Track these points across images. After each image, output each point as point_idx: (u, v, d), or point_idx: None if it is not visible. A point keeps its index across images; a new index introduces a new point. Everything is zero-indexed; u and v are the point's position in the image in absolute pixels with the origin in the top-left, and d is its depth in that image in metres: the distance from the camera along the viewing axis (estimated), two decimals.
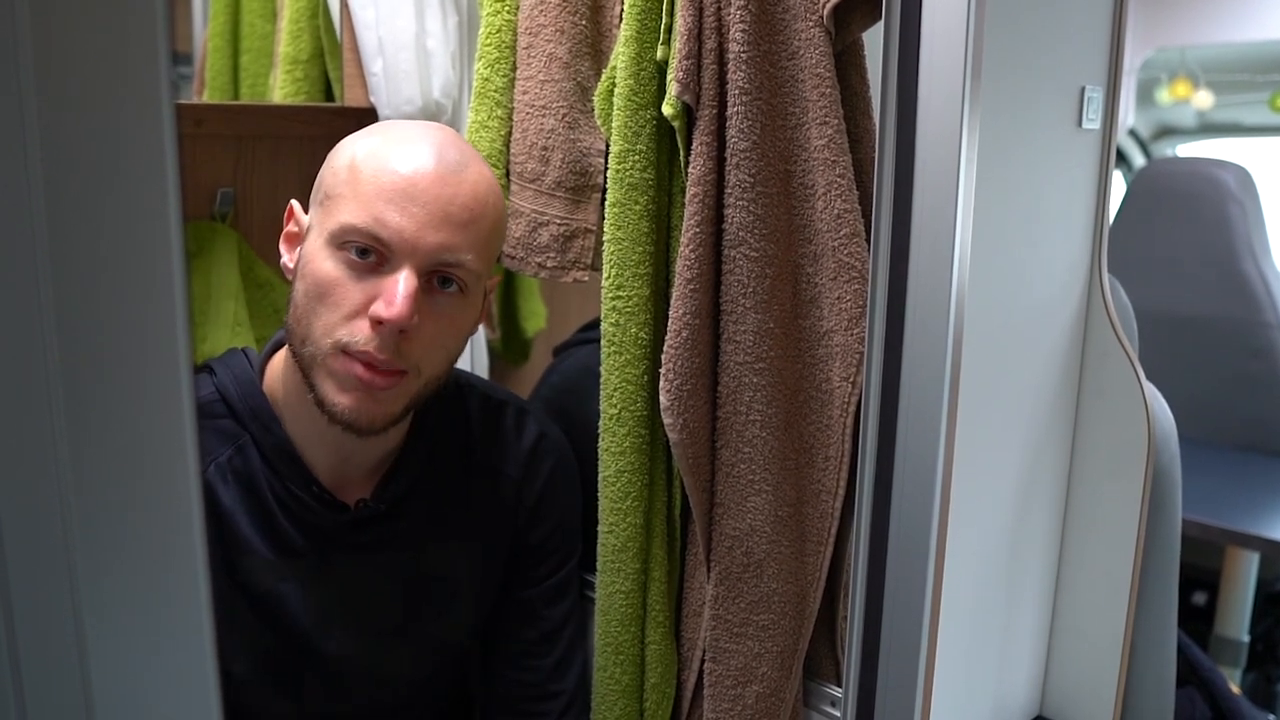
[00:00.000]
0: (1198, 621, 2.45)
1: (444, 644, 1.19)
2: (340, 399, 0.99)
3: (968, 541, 0.99)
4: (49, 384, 0.37)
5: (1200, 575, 2.50)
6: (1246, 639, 2.35)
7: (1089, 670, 1.15)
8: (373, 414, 1.00)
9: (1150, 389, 1.10)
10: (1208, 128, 3.87)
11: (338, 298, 0.98)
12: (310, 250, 1.01)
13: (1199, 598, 2.55)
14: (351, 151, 1.02)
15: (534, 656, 1.21)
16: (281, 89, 1.61)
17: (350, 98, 1.51)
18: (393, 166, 0.99)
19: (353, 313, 0.98)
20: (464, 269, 1.01)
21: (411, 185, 0.98)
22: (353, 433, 1.01)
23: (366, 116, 1.46)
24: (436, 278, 1.01)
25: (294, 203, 1.08)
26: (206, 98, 1.77)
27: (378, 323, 0.96)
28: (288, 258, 1.07)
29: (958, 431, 0.93)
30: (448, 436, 1.16)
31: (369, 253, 0.98)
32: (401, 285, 0.97)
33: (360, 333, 0.97)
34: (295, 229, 1.07)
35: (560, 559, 1.23)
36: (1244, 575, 2.32)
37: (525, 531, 1.20)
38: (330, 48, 1.58)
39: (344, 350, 0.98)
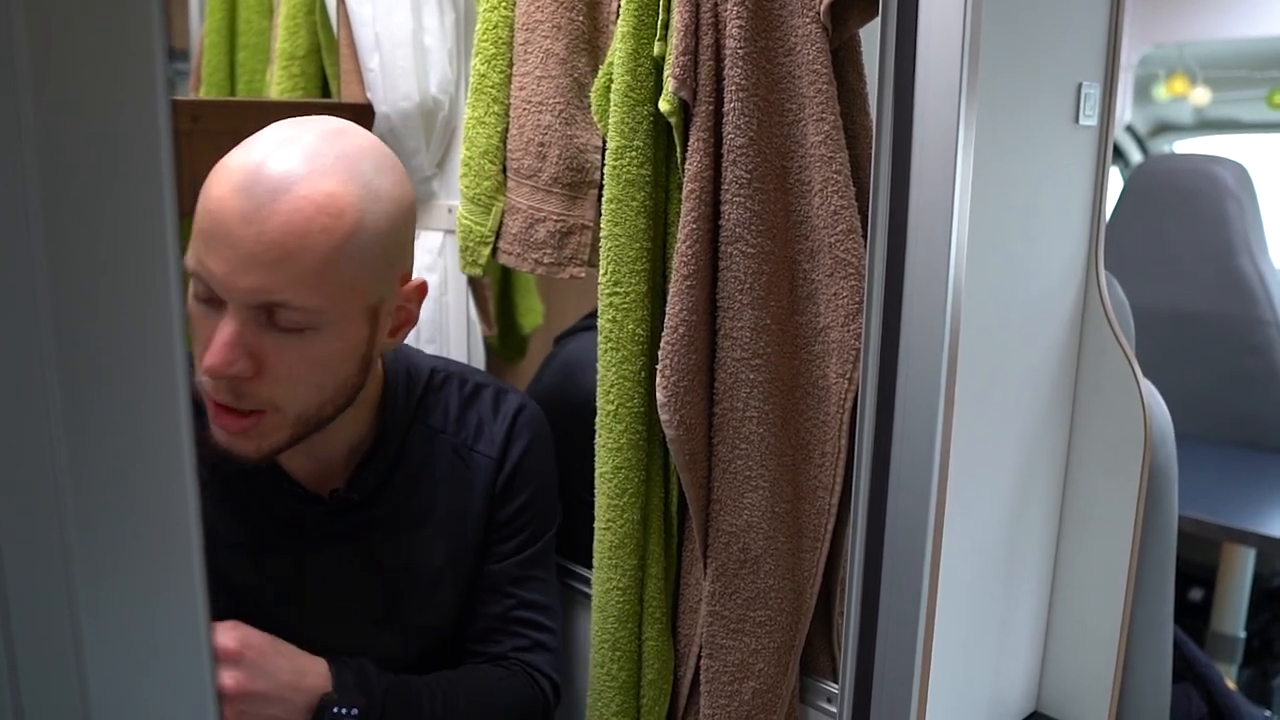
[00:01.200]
0: (1194, 618, 2.46)
1: (428, 630, 1.19)
2: (216, 431, 0.98)
3: (964, 537, 1.00)
4: (46, 385, 0.37)
5: (1197, 571, 2.51)
6: (1243, 635, 2.35)
7: (1086, 666, 1.16)
8: (245, 449, 0.98)
9: (1147, 385, 1.10)
10: (1205, 124, 3.87)
11: (196, 337, 0.96)
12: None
13: (1195, 594, 2.55)
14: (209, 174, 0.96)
15: (497, 632, 1.21)
16: (278, 85, 1.61)
17: (347, 94, 1.51)
18: (206, 203, 0.92)
19: (202, 354, 0.95)
20: (291, 308, 0.93)
21: (218, 224, 0.91)
22: (240, 461, 1.00)
23: (363, 112, 1.46)
24: (278, 313, 0.94)
25: None
26: (203, 94, 1.76)
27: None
28: None
29: (954, 428, 0.93)
30: (423, 424, 1.17)
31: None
32: (219, 333, 0.92)
33: (207, 376, 0.95)
34: None
35: (530, 536, 1.22)
36: (1240, 571, 2.32)
37: (497, 506, 1.20)
38: (327, 44, 1.58)
39: (203, 388, 0.96)
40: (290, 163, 0.93)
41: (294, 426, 1.00)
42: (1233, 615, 2.34)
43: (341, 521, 1.11)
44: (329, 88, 1.61)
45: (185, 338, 0.43)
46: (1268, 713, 2.24)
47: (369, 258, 0.97)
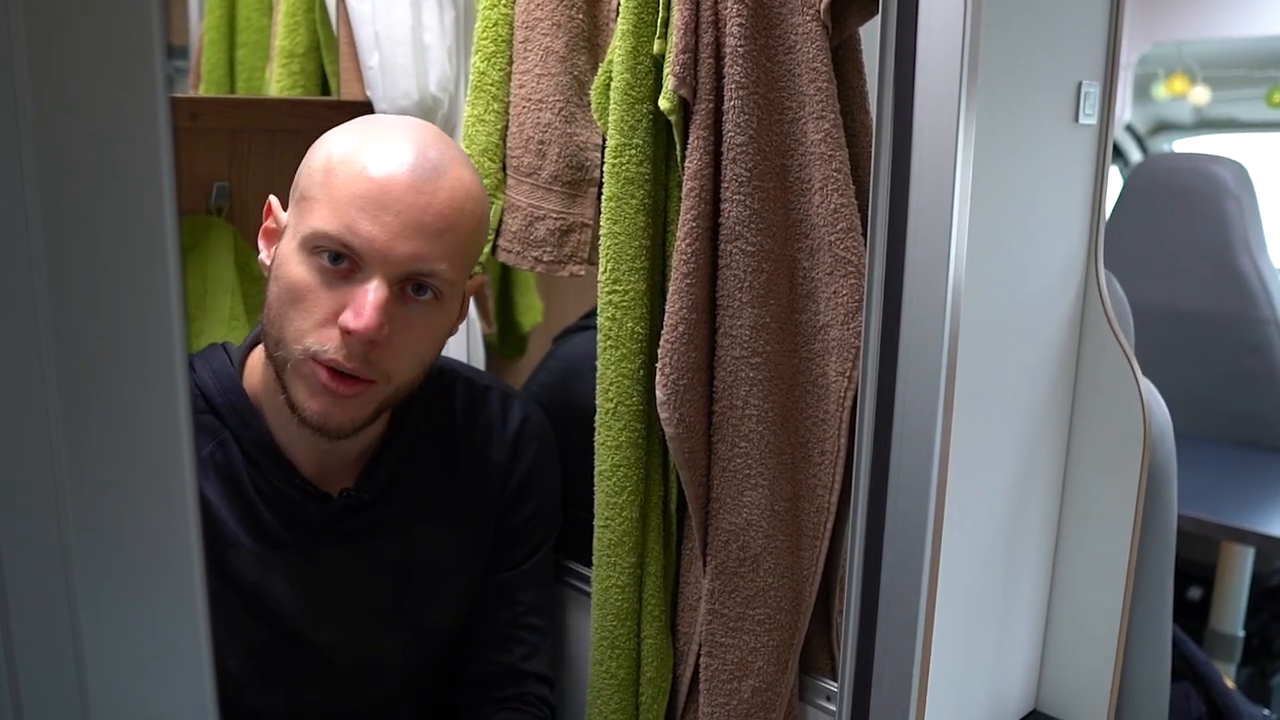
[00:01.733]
0: (1193, 617, 2.46)
1: (433, 631, 1.19)
2: (310, 404, 1.00)
3: (963, 536, 1.00)
4: (45, 382, 0.37)
5: (1196, 570, 2.51)
6: (1241, 634, 2.35)
7: (1084, 665, 1.16)
8: (340, 419, 1.01)
9: (1146, 384, 1.10)
10: (1204, 123, 3.87)
11: (309, 304, 0.98)
12: (284, 252, 1.01)
13: (1194, 593, 2.55)
14: (328, 151, 1.01)
15: (506, 639, 1.22)
16: (277, 83, 1.61)
17: (346, 91, 1.51)
18: (366, 171, 0.97)
19: (323, 320, 0.98)
20: (437, 278, 1.00)
21: (384, 192, 0.97)
22: (322, 436, 1.02)
23: (362, 110, 1.46)
24: (410, 285, 1.00)
25: (272, 198, 1.08)
26: (202, 91, 1.76)
27: (346, 333, 0.96)
28: (265, 254, 1.06)
29: (954, 426, 0.93)
30: (432, 424, 1.17)
31: (341, 259, 0.97)
32: (371, 295, 0.96)
33: (329, 341, 0.97)
34: (273, 225, 1.06)
35: (538, 541, 1.24)
36: (1239, 570, 2.32)
37: (508, 514, 1.21)
38: (326, 41, 1.58)
39: (313, 357, 0.98)
40: (440, 148, 1.02)
41: (384, 401, 1.04)
42: (1231, 614, 2.34)
43: (350, 520, 1.11)
44: (329, 85, 1.61)
45: (185, 337, 0.43)
46: (1266, 711, 2.24)
47: (481, 242, 1.08)
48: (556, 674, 1.29)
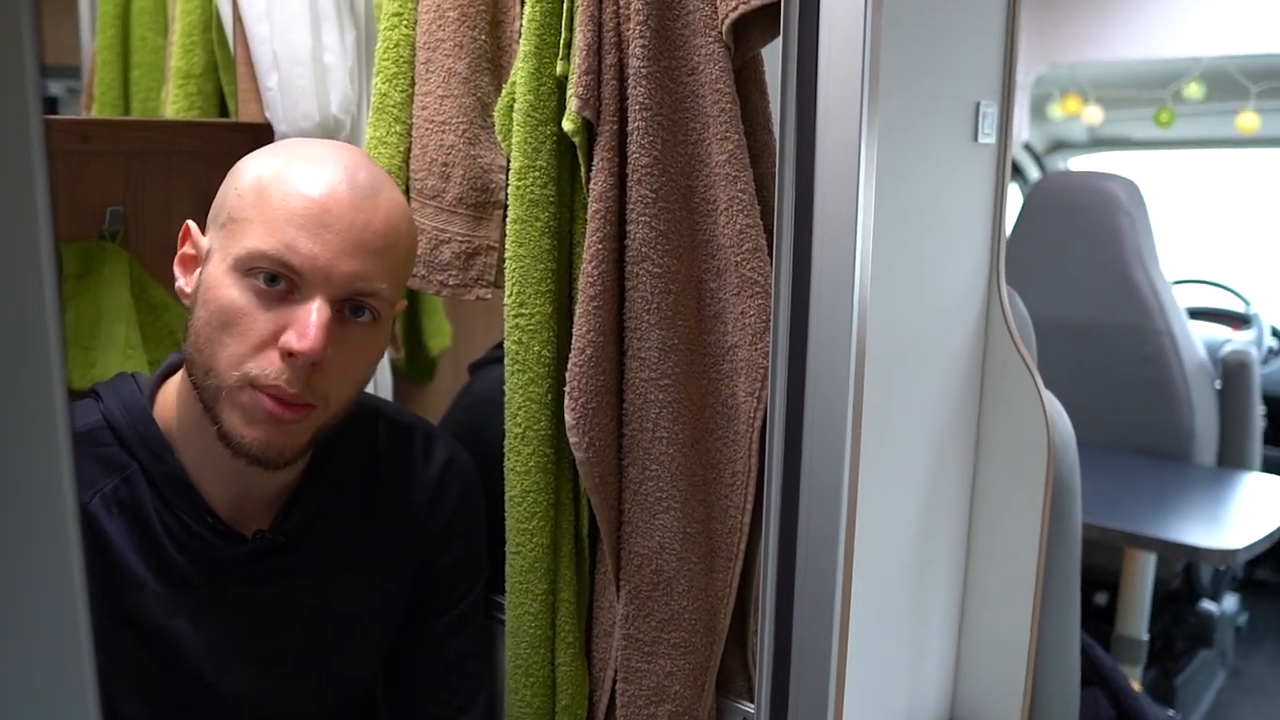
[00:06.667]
0: (1100, 621, 2.52)
1: (346, 677, 1.15)
2: (248, 432, 0.95)
3: (876, 552, 1.00)
4: None
5: (1101, 576, 2.57)
6: (1146, 637, 2.42)
7: (998, 674, 1.17)
8: (281, 447, 0.97)
9: (1049, 398, 1.13)
10: (1098, 142, 4.00)
11: (244, 327, 0.94)
12: (213, 276, 0.96)
13: (1100, 598, 2.62)
14: (257, 172, 0.97)
15: (440, 689, 1.18)
16: (174, 104, 1.57)
17: (245, 113, 1.48)
18: (303, 190, 0.94)
19: (261, 344, 0.94)
20: (378, 297, 0.98)
21: (324, 210, 0.94)
22: (259, 466, 0.97)
23: (262, 132, 1.43)
24: (348, 306, 0.97)
25: (190, 223, 1.03)
26: (95, 113, 1.71)
27: (289, 355, 0.92)
28: (184, 281, 1.02)
29: (863, 443, 0.93)
30: (352, 464, 1.13)
31: (278, 280, 0.93)
32: (314, 315, 0.93)
33: (270, 365, 0.93)
34: (192, 251, 1.02)
35: (465, 588, 1.20)
36: (1142, 575, 2.39)
37: (431, 560, 1.17)
38: (224, 62, 1.54)
39: (252, 383, 0.94)
40: (370, 168, 1.01)
41: (321, 426, 1.01)
42: (1136, 618, 2.40)
43: (263, 563, 1.06)
44: (226, 107, 1.57)
45: (65, 374, 0.40)
46: (1171, 712, 2.30)
47: (413, 262, 1.07)
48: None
